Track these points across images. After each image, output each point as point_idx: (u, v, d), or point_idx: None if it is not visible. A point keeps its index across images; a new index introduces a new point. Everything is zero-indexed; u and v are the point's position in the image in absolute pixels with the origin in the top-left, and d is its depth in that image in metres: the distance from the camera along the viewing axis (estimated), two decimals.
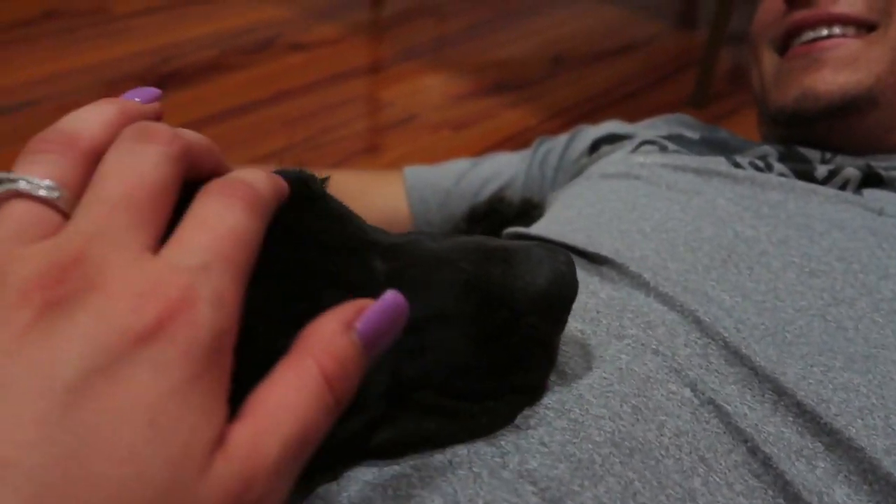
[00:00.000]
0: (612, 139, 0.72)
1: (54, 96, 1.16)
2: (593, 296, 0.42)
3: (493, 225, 0.70)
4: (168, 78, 1.24)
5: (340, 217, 0.33)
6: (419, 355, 0.32)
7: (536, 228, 0.53)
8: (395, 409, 0.32)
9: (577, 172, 0.71)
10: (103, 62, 1.26)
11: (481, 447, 0.32)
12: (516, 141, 1.16)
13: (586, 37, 1.52)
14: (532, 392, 0.35)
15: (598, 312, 0.40)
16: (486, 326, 0.32)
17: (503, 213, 0.71)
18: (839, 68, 0.56)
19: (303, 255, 0.31)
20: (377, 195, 0.78)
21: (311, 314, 0.29)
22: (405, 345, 0.32)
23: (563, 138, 0.80)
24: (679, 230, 0.47)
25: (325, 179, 0.36)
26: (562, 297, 0.33)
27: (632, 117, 1.23)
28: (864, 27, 0.56)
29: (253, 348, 0.28)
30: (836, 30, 0.57)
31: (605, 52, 1.47)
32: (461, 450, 0.32)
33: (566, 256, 0.33)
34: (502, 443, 0.32)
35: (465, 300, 0.32)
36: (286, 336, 0.29)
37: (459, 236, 0.36)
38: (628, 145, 0.66)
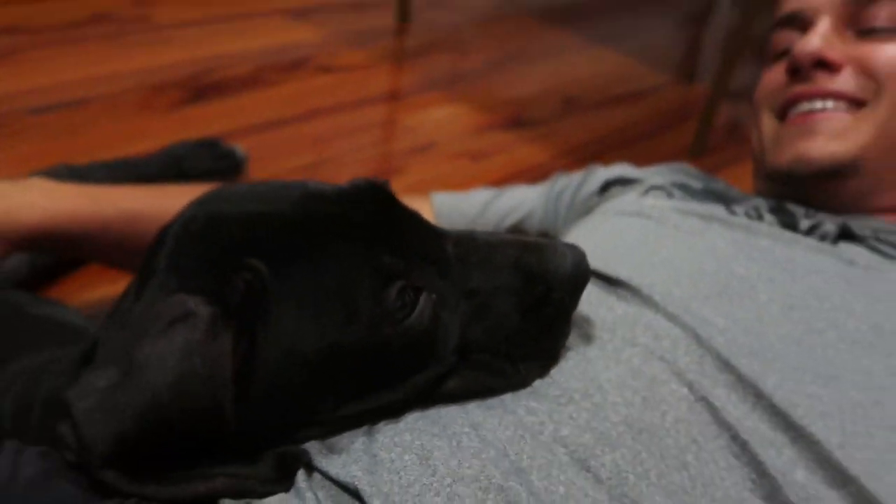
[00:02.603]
0: (622, 182, 0.82)
1: (104, 96, 1.24)
2: (611, 311, 0.51)
3: None
4: (210, 88, 1.32)
5: (418, 214, 0.44)
6: (482, 318, 0.43)
7: None
8: (461, 366, 0.43)
9: (588, 210, 0.80)
10: (149, 68, 1.35)
11: (524, 416, 0.41)
12: (529, 175, 1.25)
13: (596, 82, 1.62)
14: (553, 357, 0.46)
15: (614, 324, 0.49)
16: (528, 297, 0.44)
17: None
18: (830, 138, 0.65)
19: (397, 233, 0.42)
20: None
21: (402, 279, 0.40)
22: (474, 312, 0.43)
23: (577, 176, 0.89)
24: (684, 265, 0.56)
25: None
26: (582, 277, 0.45)
27: (636, 161, 1.33)
28: (855, 104, 0.66)
29: (343, 301, 0.39)
30: (830, 104, 0.66)
31: (614, 97, 1.57)
32: (508, 417, 0.41)
33: (581, 250, 0.45)
34: (540, 415, 0.41)
35: (514, 276, 0.44)
36: (380, 294, 0.39)
37: (500, 233, 0.49)
38: (638, 188, 0.75)
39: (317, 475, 0.40)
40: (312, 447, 0.41)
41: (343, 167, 1.18)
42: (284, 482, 0.39)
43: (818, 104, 0.66)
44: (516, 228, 0.87)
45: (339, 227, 0.41)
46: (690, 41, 1.99)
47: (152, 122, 1.20)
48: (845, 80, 0.66)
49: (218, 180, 1.05)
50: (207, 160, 1.05)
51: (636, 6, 2.13)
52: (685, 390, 0.44)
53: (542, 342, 0.45)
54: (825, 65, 0.66)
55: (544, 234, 0.85)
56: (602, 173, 0.86)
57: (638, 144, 1.41)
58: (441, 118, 1.37)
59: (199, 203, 0.43)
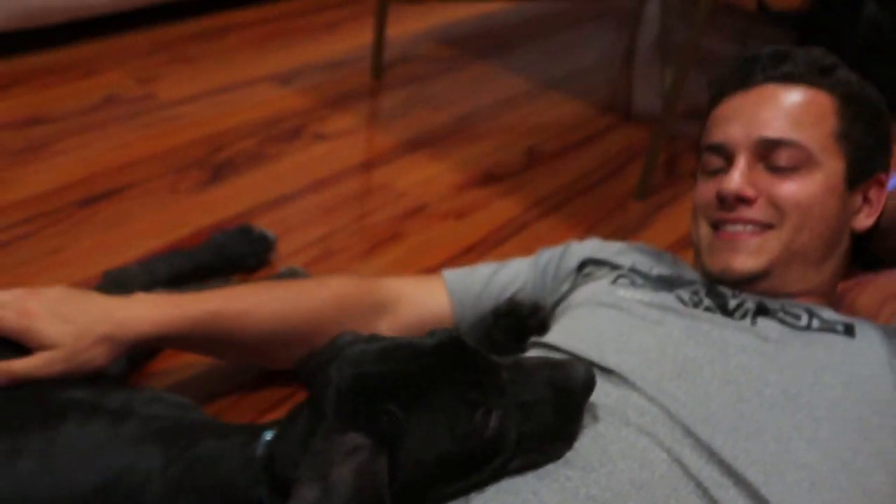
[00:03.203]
0: (595, 262, 1.05)
1: (137, 183, 1.42)
2: (608, 396, 0.74)
3: (511, 321, 1.02)
4: (224, 166, 1.52)
5: (481, 352, 0.66)
6: (529, 419, 0.67)
7: (557, 340, 0.86)
8: (518, 451, 0.65)
9: (571, 287, 1.03)
10: (168, 149, 1.53)
11: (565, 483, 0.64)
12: (506, 229, 1.48)
13: (553, 130, 1.86)
14: (574, 436, 0.69)
15: (611, 407, 0.73)
16: (558, 402, 0.68)
17: (519, 312, 1.03)
18: (749, 255, 0.90)
19: (473, 373, 0.65)
20: (428, 298, 1.09)
21: (483, 406, 0.62)
22: (524, 416, 0.65)
23: (557, 252, 1.12)
24: (652, 351, 0.80)
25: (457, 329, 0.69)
26: (591, 384, 0.69)
27: (592, 207, 1.57)
28: (765, 226, 0.91)
29: (447, 426, 0.60)
30: (749, 227, 0.91)
31: (569, 144, 1.81)
32: (555, 484, 0.64)
33: (589, 366, 0.69)
34: (575, 480, 0.64)
35: (547, 389, 0.68)
36: (471, 419, 0.61)
37: (535, 357, 0.70)
38: (609, 275, 0.99)
39: None
40: None
41: (353, 236, 1.39)
42: None
43: (739, 227, 0.91)
44: (513, 297, 1.10)
45: (438, 375, 0.64)
46: (625, 80, 2.24)
47: (183, 205, 1.39)
48: (758, 210, 0.90)
49: (255, 261, 1.26)
50: (245, 245, 1.25)
51: (571, 45, 2.37)
52: (665, 455, 0.68)
53: (567, 427, 0.69)
54: (743, 199, 0.90)
55: (536, 303, 1.07)
56: (578, 252, 1.09)
57: (593, 191, 1.66)
58: (425, 179, 1.59)
59: (344, 365, 0.65)
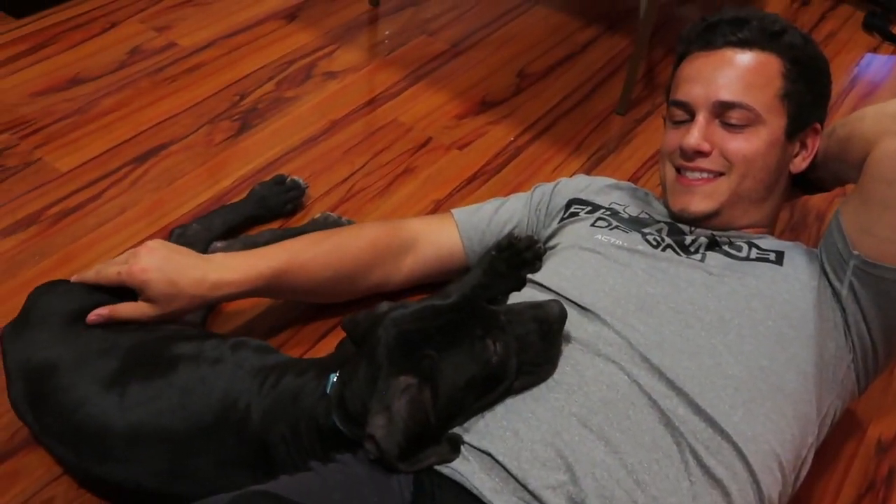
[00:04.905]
0: (579, 202, 1.27)
1: (176, 139, 1.62)
2: (584, 330, 0.99)
3: (511, 254, 1.24)
4: (249, 114, 1.70)
5: (485, 304, 0.91)
6: (524, 349, 0.91)
7: (547, 280, 1.09)
8: (518, 374, 0.91)
9: (560, 225, 1.25)
10: (196, 101, 1.71)
11: (553, 402, 0.90)
12: (503, 156, 1.69)
13: (541, 48, 2.01)
14: (556, 360, 0.94)
15: (587, 339, 0.97)
16: (541, 332, 0.92)
17: (517, 247, 1.25)
18: (703, 198, 1.13)
19: (481, 319, 0.90)
20: (441, 236, 1.32)
21: (491, 340, 0.87)
22: (519, 346, 0.90)
23: (548, 191, 1.34)
24: (621, 290, 1.04)
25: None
26: (563, 317, 0.94)
27: (578, 127, 1.77)
28: (717, 174, 1.12)
29: (470, 357, 0.86)
30: (704, 174, 1.13)
31: (556, 63, 1.97)
32: (546, 404, 0.90)
33: (560, 303, 0.93)
34: (561, 401, 0.90)
35: (534, 323, 0.92)
36: (485, 349, 0.86)
37: (521, 302, 0.95)
38: (590, 216, 1.21)
39: (466, 446, 0.89)
40: (458, 430, 0.90)
41: (371, 175, 1.60)
42: (457, 452, 0.88)
43: (696, 175, 1.13)
44: (511, 233, 1.32)
45: (457, 324, 0.88)
46: None
47: (221, 157, 1.59)
48: (712, 161, 1.12)
49: (292, 207, 1.48)
50: (282, 194, 1.47)
51: None
52: (626, 377, 0.93)
53: (549, 353, 0.94)
54: (701, 152, 1.12)
55: (531, 237, 1.29)
56: (565, 192, 1.31)
57: (578, 109, 1.84)
58: (428, 112, 1.77)
59: (388, 327, 0.89)
